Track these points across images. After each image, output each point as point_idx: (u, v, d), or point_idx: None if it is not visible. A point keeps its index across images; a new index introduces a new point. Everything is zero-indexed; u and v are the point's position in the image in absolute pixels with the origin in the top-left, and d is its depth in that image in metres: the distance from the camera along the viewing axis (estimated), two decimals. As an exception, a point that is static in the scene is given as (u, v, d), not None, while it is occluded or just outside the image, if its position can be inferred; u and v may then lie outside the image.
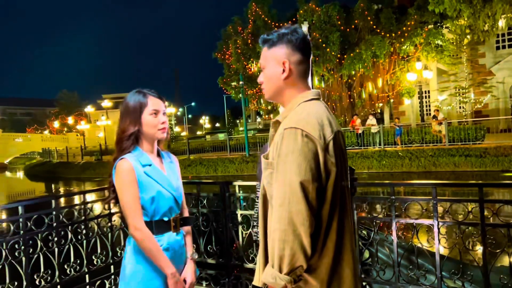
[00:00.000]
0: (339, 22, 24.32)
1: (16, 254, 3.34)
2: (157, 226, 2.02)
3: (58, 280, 3.59)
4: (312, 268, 1.48)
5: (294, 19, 25.18)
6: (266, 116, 33.69)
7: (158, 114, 2.05)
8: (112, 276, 4.09)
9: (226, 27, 30.13)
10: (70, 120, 62.54)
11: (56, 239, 3.62)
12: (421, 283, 3.05)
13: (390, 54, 24.16)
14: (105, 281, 4.03)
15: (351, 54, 23.69)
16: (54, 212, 3.63)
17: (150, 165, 2.03)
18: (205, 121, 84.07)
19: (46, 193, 26.70)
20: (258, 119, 53.62)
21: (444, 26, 22.97)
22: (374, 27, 24.23)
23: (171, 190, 2.07)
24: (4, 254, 3.20)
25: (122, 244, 4.21)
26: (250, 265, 3.73)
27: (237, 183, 3.88)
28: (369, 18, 24.32)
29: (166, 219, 2.06)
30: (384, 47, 22.89)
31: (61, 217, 3.68)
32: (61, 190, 27.21)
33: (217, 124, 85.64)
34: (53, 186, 29.00)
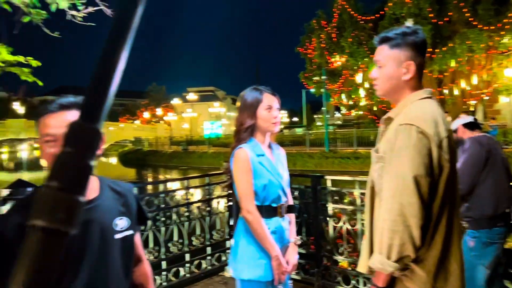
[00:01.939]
0: (430, 15, 23.01)
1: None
2: (266, 211, 2.21)
3: (163, 257, 4.01)
4: (420, 259, 1.55)
5: (381, 13, 24.30)
6: (347, 112, 32.96)
7: (272, 109, 2.24)
8: (208, 257, 4.44)
9: (310, 21, 29.95)
10: (159, 111, 66.63)
11: (163, 219, 4.04)
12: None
13: (487, 49, 22.35)
14: (202, 261, 4.40)
15: (444, 49, 22.32)
16: (162, 195, 4.05)
17: (263, 155, 2.23)
18: (283, 115, 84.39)
19: (138, 178, 28.86)
20: (337, 114, 52.67)
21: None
22: (471, 19, 22.56)
23: (279, 179, 2.26)
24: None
25: (218, 228, 4.55)
26: (339, 257, 3.83)
27: (329, 177, 3.99)
28: (464, 9, 22.68)
29: (274, 205, 2.25)
30: (482, 40, 21.23)
31: (167, 199, 4.10)
32: (151, 176, 29.23)
33: (295, 119, 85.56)
34: (144, 172, 31.26)
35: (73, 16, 3.73)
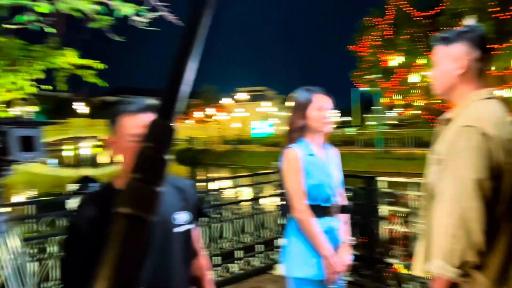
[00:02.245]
0: (493, 9, 21.73)
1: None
2: (317, 210, 2.22)
3: (215, 252, 4.12)
4: (482, 266, 1.49)
5: (439, 8, 23.28)
6: (401, 111, 31.94)
7: (323, 109, 2.24)
8: (258, 255, 4.50)
9: (362, 19, 29.32)
10: (211, 111, 68.01)
11: (214, 216, 4.16)
12: None
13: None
14: (252, 258, 4.47)
15: (508, 45, 21.02)
16: (213, 193, 4.17)
17: (313, 155, 2.24)
18: (335, 115, 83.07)
19: (191, 175, 29.67)
20: (390, 114, 50.98)
21: None
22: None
23: (331, 179, 2.26)
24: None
25: (267, 226, 4.61)
26: (391, 260, 3.75)
27: (382, 178, 3.91)
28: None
29: (325, 204, 2.25)
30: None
31: (217, 197, 4.22)
32: (202, 174, 29.94)
33: (345, 118, 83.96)
34: (196, 170, 32.07)
35: (136, 21, 3.93)
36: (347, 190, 3.97)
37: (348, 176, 4.15)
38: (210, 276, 1.74)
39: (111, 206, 1.31)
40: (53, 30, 3.89)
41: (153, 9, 3.92)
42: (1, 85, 4.26)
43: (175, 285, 1.47)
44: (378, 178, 3.93)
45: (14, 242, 2.04)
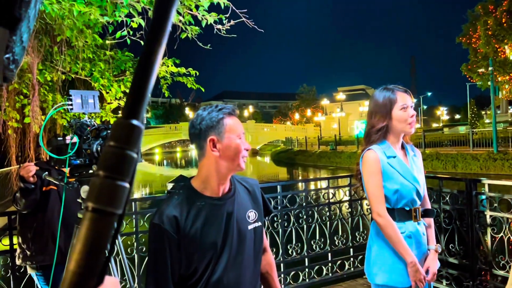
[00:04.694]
0: None
1: (275, 225, 4.03)
2: (398, 214, 2.12)
3: (306, 254, 4.14)
4: None
5: None
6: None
7: (407, 108, 2.12)
8: (351, 259, 4.40)
9: (474, 8, 26.85)
10: (309, 112, 67.99)
11: (305, 217, 4.17)
12: None
13: None
14: (345, 262, 4.38)
15: None
16: (304, 193, 4.19)
17: (394, 157, 2.14)
18: (442, 112, 77.41)
19: (288, 176, 29.99)
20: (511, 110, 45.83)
21: None
22: None
23: (413, 182, 2.13)
24: (266, 224, 3.90)
25: (361, 230, 4.48)
26: (500, 272, 3.39)
27: (487, 181, 3.56)
28: None
29: (407, 208, 2.13)
30: None
31: (309, 198, 4.22)
32: (300, 175, 30.06)
33: (457, 116, 77.39)
34: (293, 171, 32.34)
35: (219, 30, 4.16)
36: (446, 194, 3.73)
37: (447, 179, 3.88)
38: (276, 272, 1.80)
39: (189, 205, 1.42)
40: (143, 43, 4.28)
41: (234, 16, 4.10)
42: (112, 94, 4.84)
43: (247, 280, 1.54)
44: (484, 181, 3.58)
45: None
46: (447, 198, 3.73)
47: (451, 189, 3.80)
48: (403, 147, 2.23)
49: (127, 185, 0.40)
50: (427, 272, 2.11)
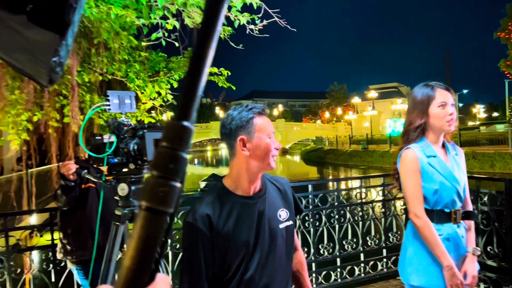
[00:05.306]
0: None
1: (306, 224, 4.02)
2: (437, 216, 2.06)
3: (337, 254, 4.10)
4: None
5: None
6: None
7: (446, 106, 2.06)
8: (384, 259, 4.33)
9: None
10: (339, 110, 67.15)
11: (336, 216, 4.13)
12: None
13: None
14: (378, 262, 4.32)
15: None
16: (336, 193, 4.15)
17: (434, 156, 2.08)
18: (479, 110, 74.72)
19: (319, 175, 29.77)
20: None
21: None
22: None
23: (454, 182, 2.07)
24: (297, 223, 3.89)
25: (394, 230, 4.40)
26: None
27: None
28: None
29: (447, 210, 2.07)
30: None
31: (341, 197, 4.18)
32: (330, 174, 29.76)
33: (495, 114, 74.42)
34: (324, 170, 32.05)
35: (251, 30, 4.18)
36: (484, 194, 3.61)
37: (485, 179, 3.75)
38: (307, 271, 1.80)
39: (221, 204, 1.44)
40: (177, 44, 4.37)
41: (266, 17, 4.11)
42: (146, 94, 4.96)
43: (279, 278, 1.55)
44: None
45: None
46: (485, 199, 3.61)
47: (489, 190, 3.68)
48: (444, 146, 2.17)
49: (178, 185, 0.42)
50: (465, 275, 2.05)
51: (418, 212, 2.04)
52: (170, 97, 5.30)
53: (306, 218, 4.00)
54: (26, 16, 0.68)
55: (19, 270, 3.12)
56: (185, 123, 0.42)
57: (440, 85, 2.11)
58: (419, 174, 2.06)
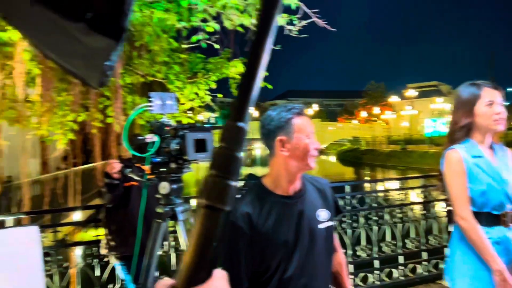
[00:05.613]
0: None
1: (343, 226, 3.98)
2: (485, 218, 1.99)
3: (375, 256, 4.04)
4: None
5: None
6: None
7: (494, 105, 1.99)
8: (424, 262, 4.23)
9: None
10: (376, 110, 65.76)
11: (374, 218, 4.07)
12: None
13: None
14: (417, 265, 4.22)
15: None
16: (374, 194, 4.09)
17: (480, 157, 2.02)
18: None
19: (356, 176, 29.30)
20: None
21: None
22: None
23: (502, 183, 1.99)
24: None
25: (435, 233, 4.28)
26: None
27: None
28: None
29: (496, 212, 2.00)
30: None
31: (378, 199, 4.12)
32: (368, 175, 29.22)
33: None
34: (360, 171, 31.52)
35: (290, 30, 4.19)
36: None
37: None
38: (347, 272, 1.79)
39: (261, 203, 1.46)
40: (217, 46, 4.44)
41: (305, 17, 4.10)
42: (185, 95, 5.07)
43: (319, 278, 1.55)
44: None
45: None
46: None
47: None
48: (491, 146, 2.09)
49: (234, 183, 0.44)
50: None
51: (464, 214, 1.98)
52: (208, 98, 5.40)
53: (343, 219, 3.97)
54: (86, 23, 0.72)
55: (66, 264, 3.28)
56: (240, 124, 0.44)
57: (487, 83, 2.04)
58: (465, 175, 2.00)
